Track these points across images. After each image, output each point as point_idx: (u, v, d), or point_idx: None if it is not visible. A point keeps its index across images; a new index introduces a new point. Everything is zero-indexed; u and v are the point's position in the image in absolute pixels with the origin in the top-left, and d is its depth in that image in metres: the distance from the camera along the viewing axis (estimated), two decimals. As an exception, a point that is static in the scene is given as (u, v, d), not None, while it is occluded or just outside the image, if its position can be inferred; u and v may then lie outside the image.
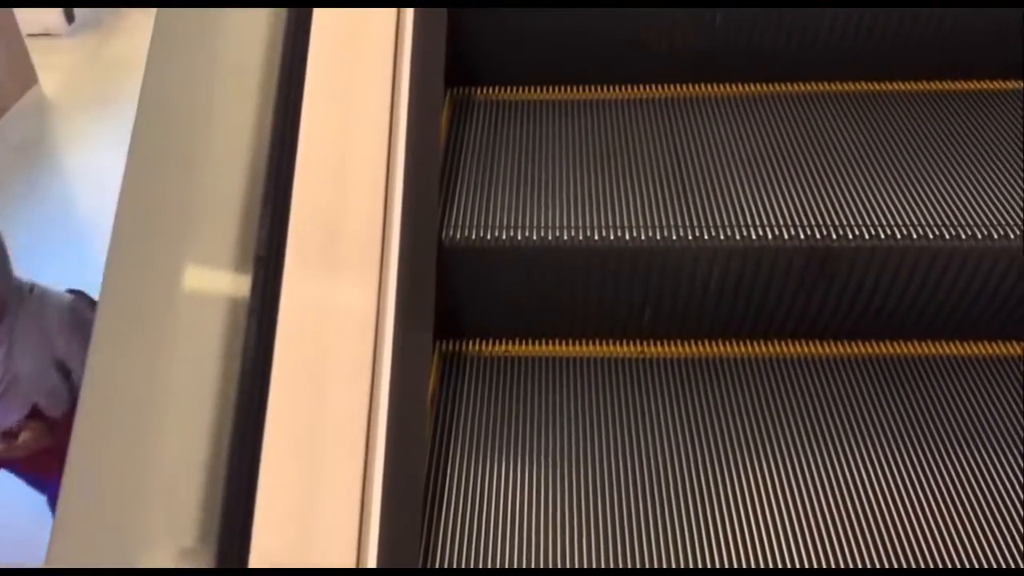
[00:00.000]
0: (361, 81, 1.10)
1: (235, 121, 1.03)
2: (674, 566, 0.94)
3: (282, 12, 1.07)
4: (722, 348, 1.19)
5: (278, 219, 1.00)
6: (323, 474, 0.88)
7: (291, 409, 0.90)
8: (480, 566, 0.95)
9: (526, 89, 1.37)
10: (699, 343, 1.20)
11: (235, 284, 0.96)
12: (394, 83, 1.12)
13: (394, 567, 0.87)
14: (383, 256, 1.01)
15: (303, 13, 1.08)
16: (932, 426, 1.08)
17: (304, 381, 0.93)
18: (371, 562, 0.85)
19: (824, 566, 0.93)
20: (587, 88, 1.37)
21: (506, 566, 0.95)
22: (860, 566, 0.93)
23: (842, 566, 0.93)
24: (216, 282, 0.96)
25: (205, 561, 0.82)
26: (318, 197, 1.03)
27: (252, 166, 1.00)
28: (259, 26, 1.06)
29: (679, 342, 1.20)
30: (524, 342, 1.21)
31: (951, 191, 1.13)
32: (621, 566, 0.95)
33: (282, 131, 1.00)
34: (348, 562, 0.84)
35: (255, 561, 0.81)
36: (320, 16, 1.12)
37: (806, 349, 1.18)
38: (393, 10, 1.17)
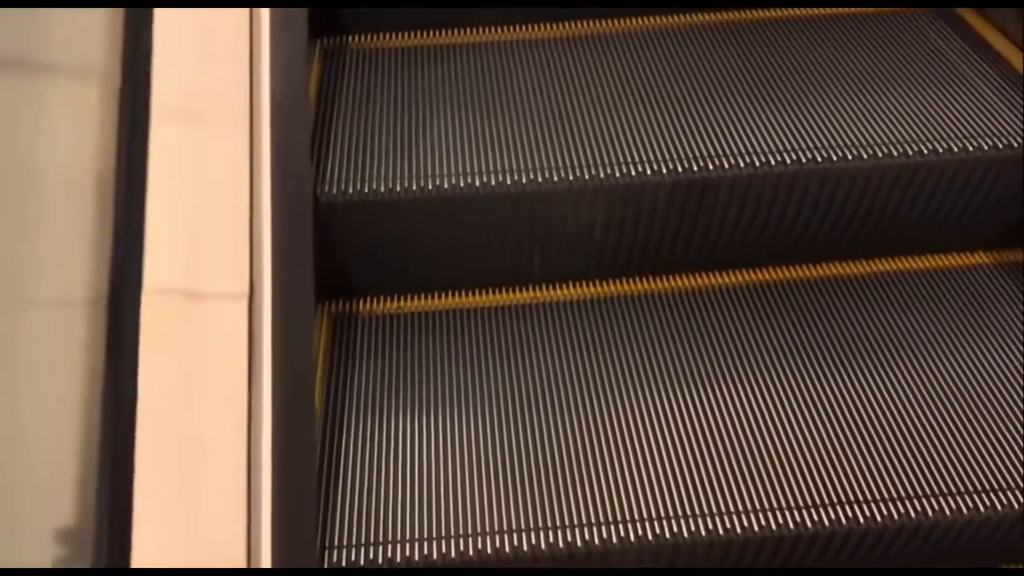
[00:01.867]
0: (216, 36, 1.05)
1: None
2: (569, 501, 0.95)
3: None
4: (611, 287, 1.20)
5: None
6: (206, 457, 0.84)
7: (165, 392, 0.86)
8: (381, 524, 0.94)
9: (398, 35, 1.33)
10: (589, 284, 1.20)
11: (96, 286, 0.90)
12: (252, 35, 1.06)
13: (291, 547, 0.85)
14: (252, 219, 0.97)
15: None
16: (820, 346, 1.11)
17: (176, 358, 0.89)
18: (265, 540, 0.83)
19: (713, 494, 0.95)
20: (460, 31, 1.33)
21: (406, 522, 0.94)
22: (749, 492, 0.96)
23: (728, 494, 0.95)
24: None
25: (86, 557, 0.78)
26: (177, 170, 0.98)
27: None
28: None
29: (570, 284, 1.20)
30: (416, 297, 1.19)
31: (822, 114, 1.15)
32: (521, 510, 0.95)
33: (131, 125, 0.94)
34: (238, 550, 0.81)
35: (138, 552, 0.78)
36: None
37: (693, 282, 1.20)
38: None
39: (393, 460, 1.00)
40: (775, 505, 0.94)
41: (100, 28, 0.89)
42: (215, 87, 1.01)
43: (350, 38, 1.32)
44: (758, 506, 0.94)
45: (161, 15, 1.01)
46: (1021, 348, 1.10)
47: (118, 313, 0.88)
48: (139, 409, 0.82)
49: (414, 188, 1.06)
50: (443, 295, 1.19)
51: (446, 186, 1.07)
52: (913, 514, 0.93)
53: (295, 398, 0.91)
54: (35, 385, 0.76)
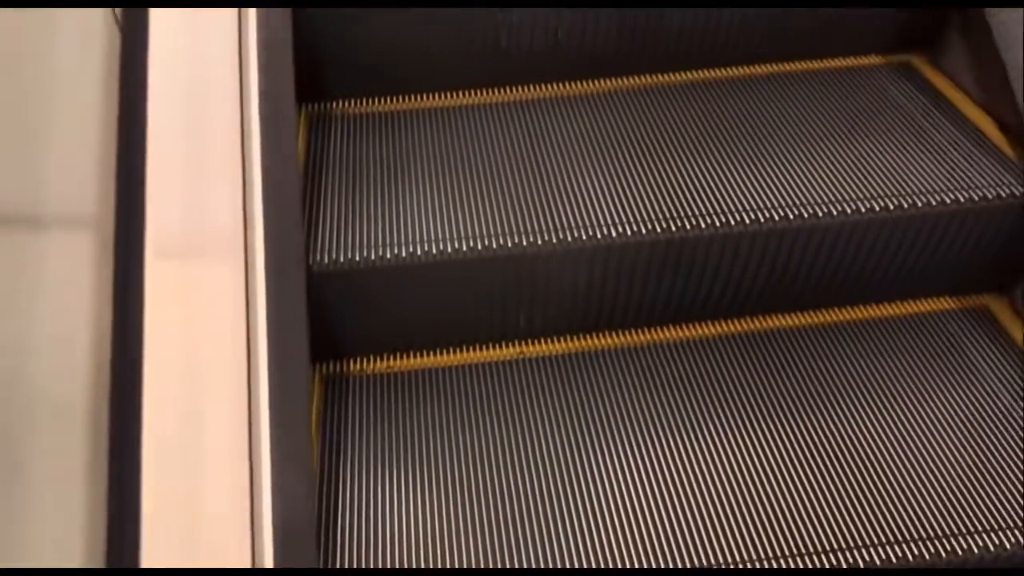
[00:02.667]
0: (209, 111, 1.08)
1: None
2: (563, 555, 0.98)
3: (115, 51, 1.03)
4: (597, 341, 1.23)
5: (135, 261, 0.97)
6: (205, 522, 0.87)
7: (167, 460, 0.88)
8: (379, 587, 0.97)
9: (382, 100, 1.37)
10: (574, 338, 1.24)
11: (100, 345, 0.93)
12: (242, 108, 1.10)
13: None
14: (248, 291, 1.00)
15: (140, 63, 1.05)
16: (797, 394, 1.15)
17: (180, 425, 0.92)
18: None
19: (697, 545, 0.99)
20: (443, 95, 1.38)
21: (405, 584, 0.97)
22: (734, 544, 0.99)
23: (714, 546, 0.99)
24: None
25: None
26: (171, 235, 1.01)
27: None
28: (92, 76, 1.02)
29: (555, 339, 1.23)
30: (405, 356, 1.22)
31: (792, 172, 1.20)
32: (514, 563, 0.98)
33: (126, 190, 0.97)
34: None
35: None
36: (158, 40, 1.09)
37: (674, 333, 1.24)
38: (235, 29, 1.15)
39: (387, 516, 1.03)
40: (760, 555, 0.97)
41: (92, 178, 0.91)
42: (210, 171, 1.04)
43: (335, 104, 1.36)
44: (743, 557, 0.97)
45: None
46: (988, 390, 1.15)
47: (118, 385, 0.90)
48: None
49: (403, 255, 1.10)
50: (431, 353, 1.22)
51: (434, 251, 1.10)
52: (895, 559, 0.97)
53: (293, 465, 0.93)
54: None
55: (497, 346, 1.23)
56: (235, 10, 1.14)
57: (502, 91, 1.37)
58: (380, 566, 0.98)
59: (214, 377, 0.96)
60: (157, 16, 1.11)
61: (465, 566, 0.98)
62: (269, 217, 1.04)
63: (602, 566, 0.98)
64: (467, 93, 1.38)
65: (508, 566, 0.98)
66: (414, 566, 0.99)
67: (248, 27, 1.14)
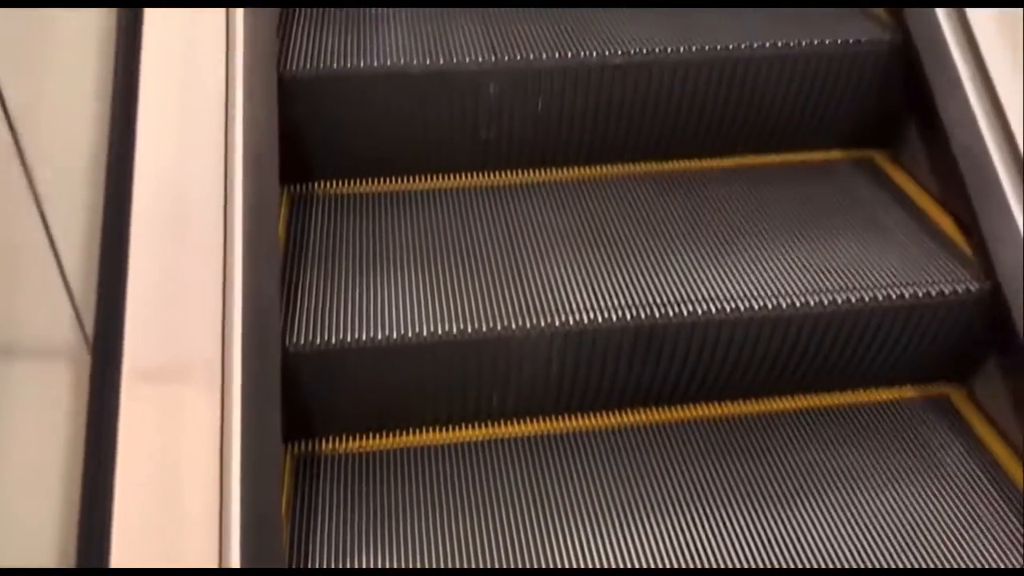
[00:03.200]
0: (193, 183, 1.11)
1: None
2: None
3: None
4: (567, 423, 1.25)
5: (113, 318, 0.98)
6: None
7: (138, 530, 0.88)
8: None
9: (364, 182, 1.41)
10: (546, 419, 1.25)
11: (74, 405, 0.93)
12: (226, 183, 1.12)
13: None
14: (224, 368, 1.01)
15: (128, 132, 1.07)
16: (768, 481, 1.17)
17: (153, 502, 0.92)
18: None
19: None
20: (424, 178, 1.42)
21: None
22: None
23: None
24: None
25: None
26: (153, 311, 1.02)
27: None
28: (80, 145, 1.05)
29: (527, 420, 1.25)
30: (378, 436, 1.23)
31: (757, 264, 1.24)
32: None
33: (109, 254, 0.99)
34: None
35: None
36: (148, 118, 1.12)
37: (645, 416, 1.26)
38: (222, 109, 1.18)
39: (356, 604, 1.03)
40: (726, 646, 0.98)
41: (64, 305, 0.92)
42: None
43: (317, 184, 1.39)
44: (710, 647, 0.98)
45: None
46: (949, 480, 1.18)
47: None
48: None
49: (379, 337, 1.12)
50: (405, 433, 1.24)
51: (409, 335, 1.12)
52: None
53: (264, 534, 0.94)
54: None
55: (470, 426, 1.25)
56: (222, 95, 1.17)
57: (482, 175, 1.42)
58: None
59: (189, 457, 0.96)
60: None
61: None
62: (248, 299, 1.06)
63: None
64: (447, 176, 1.42)
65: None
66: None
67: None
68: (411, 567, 1.06)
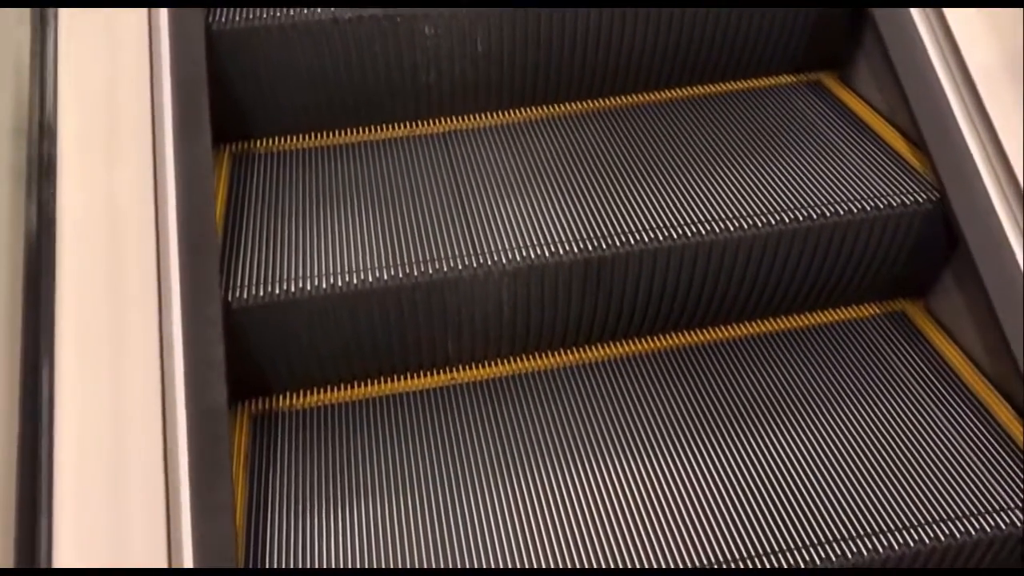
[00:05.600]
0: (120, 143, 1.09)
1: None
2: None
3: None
4: (522, 363, 1.24)
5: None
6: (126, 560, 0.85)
7: (84, 502, 0.87)
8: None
9: (305, 136, 1.38)
10: (501, 362, 1.24)
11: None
12: (155, 143, 1.10)
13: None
14: (162, 327, 0.99)
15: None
16: (726, 407, 1.17)
17: (98, 467, 0.91)
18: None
19: (627, 557, 0.99)
20: (365, 130, 1.39)
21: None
22: (654, 552, 1.00)
23: (640, 556, 1.00)
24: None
25: None
26: (90, 279, 1.00)
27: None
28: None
29: (483, 364, 1.24)
30: (334, 388, 1.22)
31: (702, 188, 1.23)
32: (448, 593, 0.97)
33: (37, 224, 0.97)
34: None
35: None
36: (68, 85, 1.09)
37: (598, 352, 1.25)
38: (146, 67, 1.16)
39: (319, 549, 1.02)
40: (687, 565, 0.98)
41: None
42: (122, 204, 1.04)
43: (257, 142, 1.37)
44: (679, 566, 0.98)
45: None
46: (907, 392, 1.18)
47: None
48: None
49: (323, 286, 1.10)
50: (361, 384, 1.22)
51: (355, 282, 1.11)
52: (818, 560, 0.98)
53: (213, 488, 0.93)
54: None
55: (427, 374, 1.23)
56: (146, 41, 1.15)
57: (419, 124, 1.40)
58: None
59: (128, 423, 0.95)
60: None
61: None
62: (185, 257, 1.04)
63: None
64: (389, 127, 1.40)
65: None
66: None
67: (162, 67, 1.15)
68: (371, 516, 1.05)
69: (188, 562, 0.88)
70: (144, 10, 1.18)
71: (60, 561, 0.83)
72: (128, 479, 0.91)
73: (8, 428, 0.85)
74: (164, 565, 0.88)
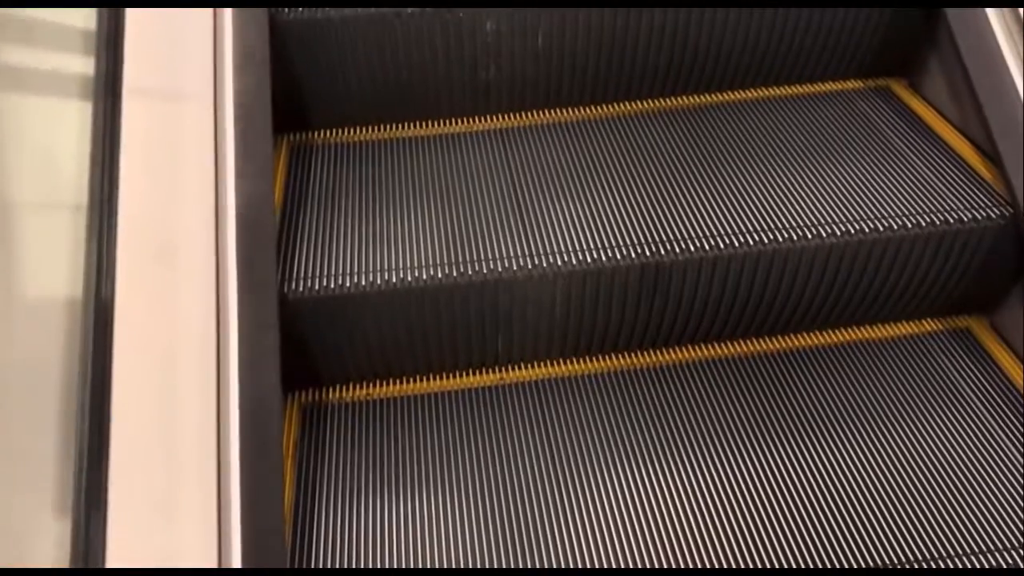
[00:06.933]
0: (182, 141, 1.09)
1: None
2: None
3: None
4: (573, 366, 1.23)
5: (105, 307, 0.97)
6: (178, 544, 0.86)
7: (138, 487, 0.88)
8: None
9: (363, 129, 1.38)
10: (552, 363, 1.23)
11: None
12: (216, 138, 1.11)
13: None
14: (219, 322, 1.00)
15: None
16: (779, 418, 1.15)
17: (152, 450, 0.92)
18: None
19: (682, 562, 0.98)
20: (424, 124, 1.39)
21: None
22: (707, 555, 0.98)
23: (695, 562, 0.98)
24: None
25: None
26: (144, 268, 1.01)
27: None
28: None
29: (533, 365, 1.23)
30: (385, 383, 1.22)
31: (768, 195, 1.20)
32: (493, 596, 0.97)
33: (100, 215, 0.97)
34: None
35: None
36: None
37: (652, 358, 1.24)
38: (210, 60, 1.16)
39: (365, 544, 1.02)
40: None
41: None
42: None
43: (316, 133, 1.37)
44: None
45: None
46: (970, 411, 1.14)
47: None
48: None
49: (379, 283, 1.10)
50: (410, 380, 1.22)
51: (410, 279, 1.10)
52: (872, 585, 0.96)
53: (263, 477, 0.93)
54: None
55: (477, 372, 1.23)
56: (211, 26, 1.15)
57: (481, 120, 1.39)
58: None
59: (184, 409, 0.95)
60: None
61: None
62: (242, 249, 1.04)
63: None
64: (448, 122, 1.39)
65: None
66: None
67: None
68: (418, 510, 1.05)
69: (236, 549, 0.88)
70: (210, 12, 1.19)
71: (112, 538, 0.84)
72: (181, 464, 0.92)
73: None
74: (214, 551, 0.88)
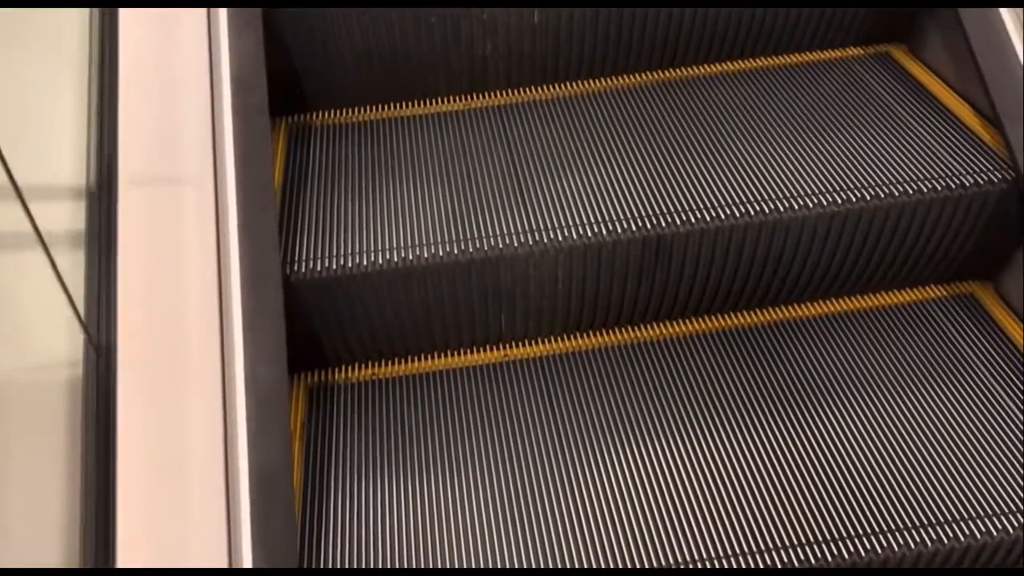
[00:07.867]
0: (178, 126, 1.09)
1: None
2: (551, 556, 0.98)
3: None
4: (576, 341, 1.23)
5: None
6: (186, 526, 0.87)
7: (144, 475, 0.89)
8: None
9: (361, 109, 1.37)
10: (556, 339, 1.23)
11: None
12: (214, 122, 1.10)
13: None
14: (222, 305, 1.00)
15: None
16: (781, 389, 1.15)
17: (157, 431, 0.92)
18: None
19: (686, 540, 0.98)
20: (422, 102, 1.38)
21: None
22: (713, 534, 0.99)
23: (704, 541, 0.98)
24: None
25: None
26: (148, 255, 1.02)
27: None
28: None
29: (536, 341, 1.23)
30: (389, 362, 1.22)
31: (767, 165, 1.20)
32: (503, 565, 0.98)
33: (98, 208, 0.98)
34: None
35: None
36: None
37: (656, 331, 1.24)
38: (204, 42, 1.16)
39: (374, 521, 1.03)
40: (745, 549, 0.97)
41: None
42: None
43: (313, 114, 1.36)
44: (727, 552, 0.97)
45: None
46: (975, 377, 1.14)
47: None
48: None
49: (381, 262, 1.10)
50: (415, 359, 1.22)
51: (411, 258, 1.11)
52: (879, 550, 0.96)
53: (272, 461, 0.94)
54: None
55: (481, 350, 1.23)
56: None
57: (477, 97, 1.38)
58: (370, 563, 0.99)
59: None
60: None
61: (455, 567, 0.98)
62: (245, 232, 1.04)
63: (590, 566, 0.97)
64: (446, 99, 1.38)
65: (497, 567, 0.98)
66: (403, 567, 0.99)
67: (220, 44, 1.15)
68: (426, 489, 1.06)
69: (246, 534, 0.89)
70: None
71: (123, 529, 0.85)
72: (189, 446, 0.93)
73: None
74: (223, 536, 0.89)
